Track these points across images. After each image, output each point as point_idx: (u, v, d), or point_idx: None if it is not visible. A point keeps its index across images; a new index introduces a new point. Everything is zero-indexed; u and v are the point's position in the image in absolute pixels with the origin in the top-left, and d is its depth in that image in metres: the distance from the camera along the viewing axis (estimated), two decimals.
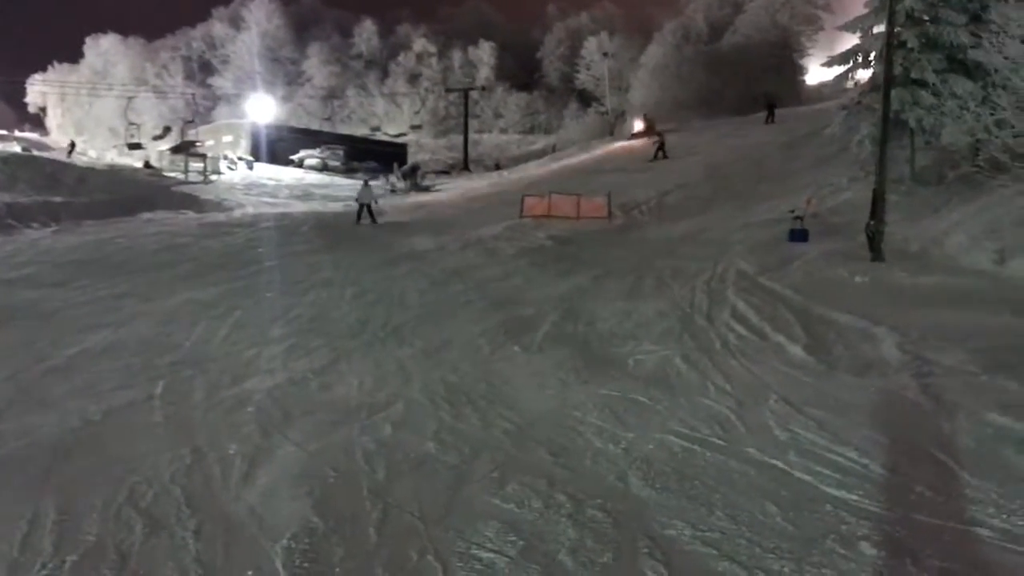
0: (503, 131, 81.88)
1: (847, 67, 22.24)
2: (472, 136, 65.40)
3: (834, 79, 23.70)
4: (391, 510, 5.01)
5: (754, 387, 7.51)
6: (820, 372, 7.97)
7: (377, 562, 4.40)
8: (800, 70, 58.52)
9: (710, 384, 7.64)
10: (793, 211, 17.49)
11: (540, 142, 69.60)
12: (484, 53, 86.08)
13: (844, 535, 4.58)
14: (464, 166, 60.95)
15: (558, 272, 14.96)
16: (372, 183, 27.93)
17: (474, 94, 73.41)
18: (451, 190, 42.79)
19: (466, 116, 64.51)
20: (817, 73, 51.56)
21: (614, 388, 7.60)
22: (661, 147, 34.31)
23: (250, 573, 4.29)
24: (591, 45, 74.97)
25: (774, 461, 5.68)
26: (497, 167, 58.02)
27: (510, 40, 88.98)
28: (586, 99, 75.51)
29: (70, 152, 55.82)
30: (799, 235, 16.59)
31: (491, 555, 4.46)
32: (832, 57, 22.81)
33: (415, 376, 8.27)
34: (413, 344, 9.75)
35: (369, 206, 25.86)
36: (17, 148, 58.11)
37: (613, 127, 62.15)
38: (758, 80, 53.43)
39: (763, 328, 9.88)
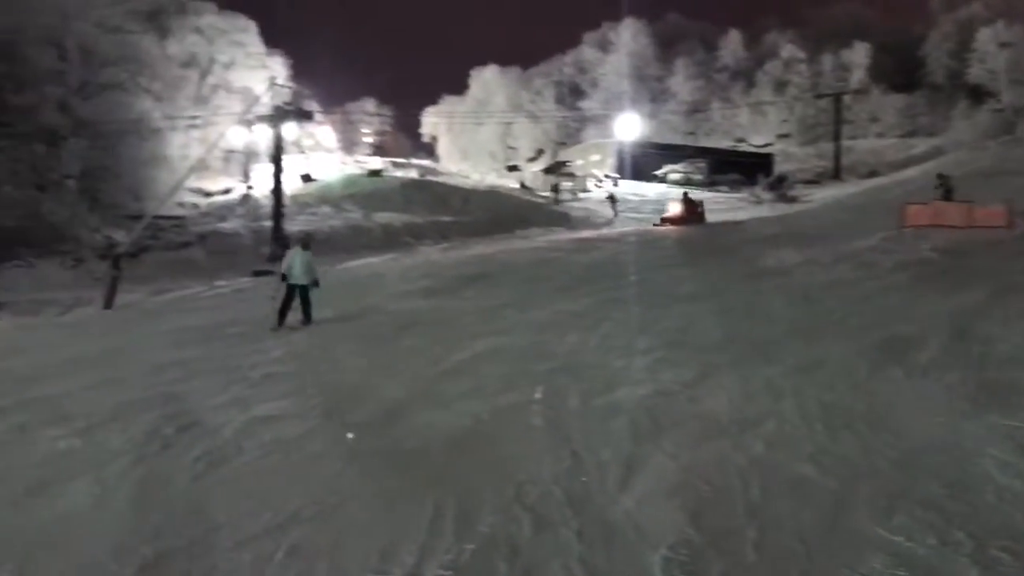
0: (879, 135, 76.56)
1: None
2: (844, 143, 61.87)
3: None
4: (768, 530, 4.88)
5: None
6: None
7: None
8: None
9: None
10: None
11: (922, 145, 64.02)
12: (857, 55, 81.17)
13: None
14: (834, 174, 57.85)
15: (945, 287, 13.61)
16: (305, 249, 15.20)
17: (846, 98, 69.46)
18: (820, 200, 40.89)
19: (837, 122, 61.20)
20: None
21: (1020, 419, 6.75)
22: (948, 193, 27.89)
23: None
24: (984, 36, 67.68)
25: None
26: (872, 175, 54.32)
27: (887, 39, 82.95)
28: (978, 96, 68.23)
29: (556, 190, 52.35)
30: None
31: None
32: None
33: (786, 394, 7.97)
34: (783, 361, 9.41)
35: (304, 291, 14.72)
36: (414, 174, 65.14)
37: (1014, 125, 55.45)
38: None
39: None
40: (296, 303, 14.66)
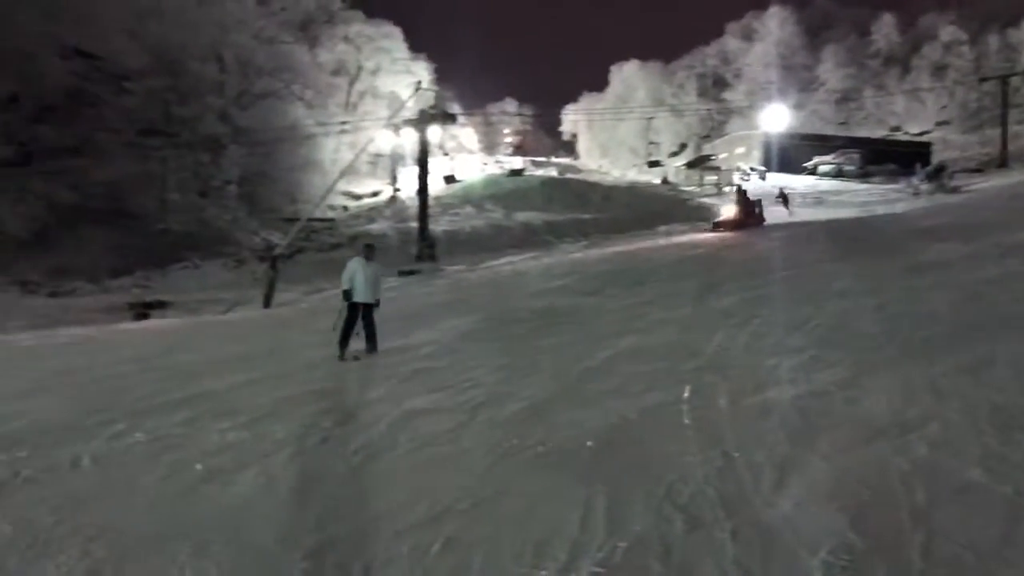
0: None
1: None
2: (1012, 128, 57.98)
3: None
4: (936, 536, 4.64)
5: None
6: None
7: None
8: None
9: None
10: None
11: None
12: None
13: None
14: (1001, 162, 54.29)
15: None
16: (369, 260, 12.77)
17: (1015, 81, 65.02)
18: (984, 190, 38.49)
19: (1004, 106, 57.39)
20: None
21: None
22: None
23: None
24: None
25: None
26: None
27: None
28: None
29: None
30: None
31: None
32: None
33: (951, 395, 7.54)
34: (946, 360, 8.89)
35: (369, 312, 12.57)
36: (554, 172, 65.55)
37: None
38: None
39: None
40: (359, 328, 12.43)
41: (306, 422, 7.98)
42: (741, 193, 31.69)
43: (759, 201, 31.57)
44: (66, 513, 5.60)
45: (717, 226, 30.14)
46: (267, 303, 24.00)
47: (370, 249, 13.12)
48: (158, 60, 43.56)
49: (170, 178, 43.14)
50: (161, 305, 26.74)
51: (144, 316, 24.87)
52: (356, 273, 12.40)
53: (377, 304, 12.68)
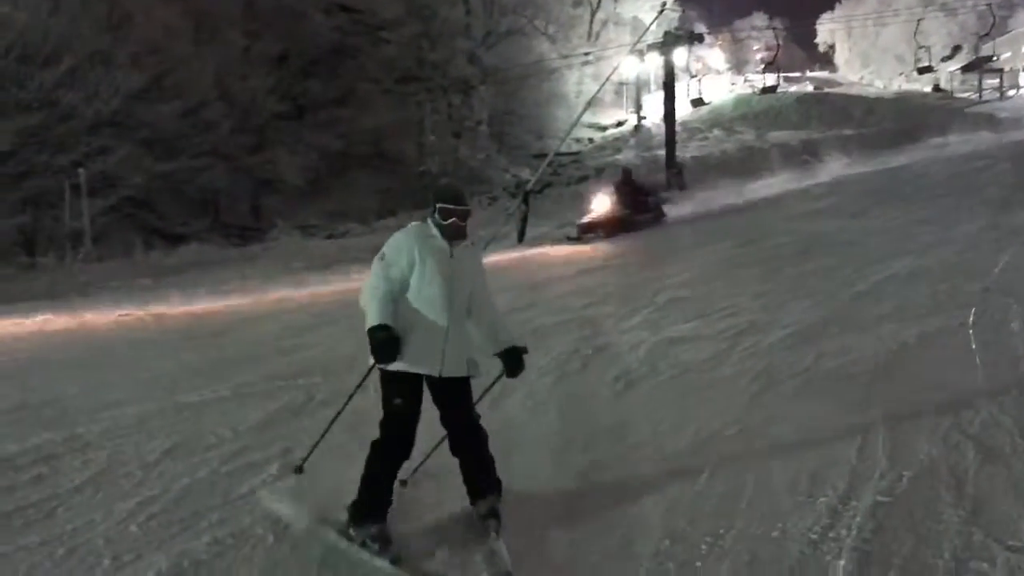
0: None
1: None
2: None
3: None
4: None
5: None
6: None
7: None
8: None
9: None
10: None
11: None
12: None
13: None
14: None
15: None
16: (454, 238, 4.25)
17: None
18: None
19: None
20: None
21: None
22: None
23: None
24: None
25: None
26: None
27: None
28: None
29: None
30: None
31: None
32: None
33: None
34: None
35: (462, 391, 4.35)
36: (810, 87, 61.96)
37: None
38: None
39: None
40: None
41: (566, 349, 8.11)
42: (626, 174, 22.02)
43: (653, 190, 22.29)
44: (356, 432, 6.04)
45: (585, 230, 19.83)
46: (521, 237, 24.65)
47: (460, 205, 4.32)
48: (410, 8, 45.35)
49: (426, 122, 45.16)
50: None
51: None
52: (413, 267, 4.31)
53: (515, 363, 4.55)
